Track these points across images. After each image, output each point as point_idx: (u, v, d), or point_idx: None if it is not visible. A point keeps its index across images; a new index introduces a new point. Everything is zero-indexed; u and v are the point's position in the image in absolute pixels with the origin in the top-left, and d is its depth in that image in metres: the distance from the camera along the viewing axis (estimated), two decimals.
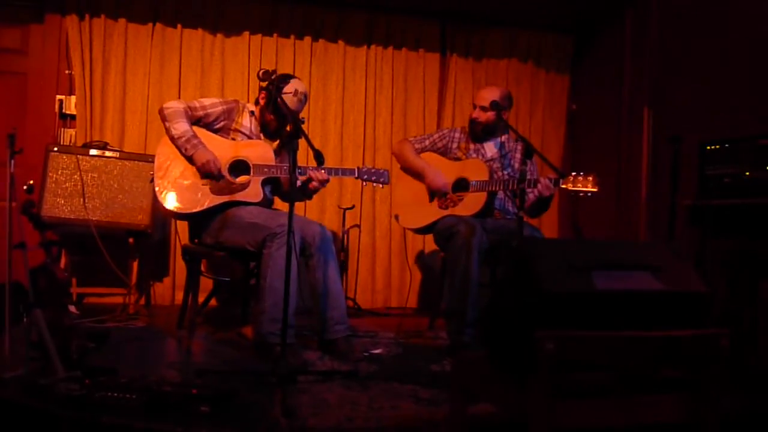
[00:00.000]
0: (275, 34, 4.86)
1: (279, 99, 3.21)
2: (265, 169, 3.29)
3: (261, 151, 3.34)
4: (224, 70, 4.77)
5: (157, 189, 3.25)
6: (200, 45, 4.72)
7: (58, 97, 4.51)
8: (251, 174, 3.28)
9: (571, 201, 5.20)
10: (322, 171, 3.27)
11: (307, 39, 4.92)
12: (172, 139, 3.25)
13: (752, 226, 3.11)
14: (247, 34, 4.80)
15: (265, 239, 3.02)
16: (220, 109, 3.37)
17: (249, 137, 3.39)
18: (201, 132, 3.31)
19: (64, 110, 4.51)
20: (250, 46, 4.80)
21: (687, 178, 3.44)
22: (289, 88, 3.26)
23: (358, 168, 3.38)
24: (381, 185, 3.42)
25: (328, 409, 2.23)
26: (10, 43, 4.54)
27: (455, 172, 3.63)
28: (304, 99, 3.34)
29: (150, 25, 4.64)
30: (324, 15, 4.94)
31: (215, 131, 3.37)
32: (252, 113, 3.44)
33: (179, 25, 4.68)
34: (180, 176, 3.26)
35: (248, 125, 3.41)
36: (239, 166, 3.30)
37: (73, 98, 4.50)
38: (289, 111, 3.18)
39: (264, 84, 3.31)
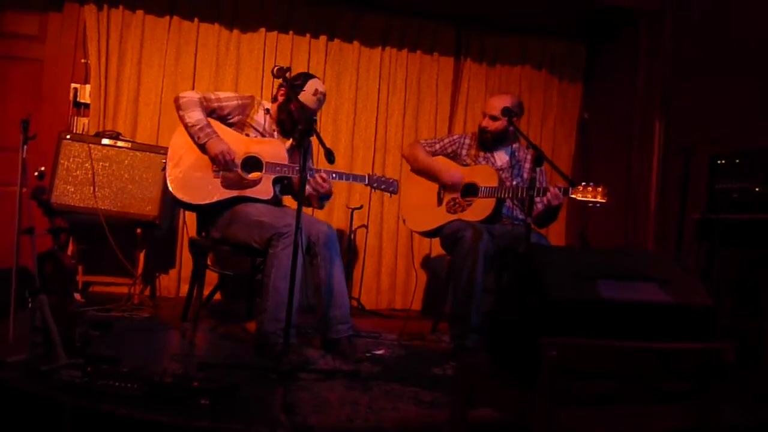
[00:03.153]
0: (291, 32, 4.87)
1: (294, 101, 3.23)
2: (278, 168, 3.28)
3: (274, 150, 3.32)
4: (239, 66, 4.78)
5: (168, 177, 3.24)
6: (216, 39, 4.74)
7: (73, 85, 4.54)
8: (263, 171, 3.27)
9: (579, 210, 5.18)
10: (326, 181, 3.24)
11: (323, 38, 4.93)
12: (186, 126, 3.23)
13: (760, 241, 3.10)
14: (263, 30, 4.81)
15: (271, 238, 3.00)
16: (234, 103, 3.35)
17: (262, 134, 3.37)
18: (215, 124, 3.28)
19: (78, 99, 4.53)
20: (265, 43, 4.82)
21: (696, 191, 3.42)
22: (309, 87, 3.26)
23: (369, 175, 3.36)
24: (390, 194, 3.42)
25: (328, 408, 2.24)
26: (29, 30, 4.57)
27: (465, 177, 3.62)
28: (323, 98, 3.33)
29: (167, 17, 4.66)
30: (340, 15, 4.95)
31: (229, 125, 3.35)
32: (267, 111, 3.41)
33: (196, 19, 4.70)
34: (192, 167, 3.24)
35: (261, 122, 3.38)
36: (251, 162, 3.29)
37: (88, 87, 4.53)
38: (304, 113, 3.20)
39: (280, 81, 3.28)
